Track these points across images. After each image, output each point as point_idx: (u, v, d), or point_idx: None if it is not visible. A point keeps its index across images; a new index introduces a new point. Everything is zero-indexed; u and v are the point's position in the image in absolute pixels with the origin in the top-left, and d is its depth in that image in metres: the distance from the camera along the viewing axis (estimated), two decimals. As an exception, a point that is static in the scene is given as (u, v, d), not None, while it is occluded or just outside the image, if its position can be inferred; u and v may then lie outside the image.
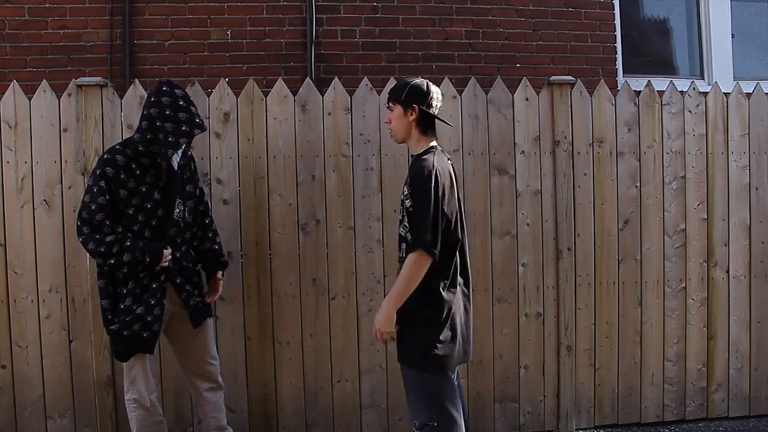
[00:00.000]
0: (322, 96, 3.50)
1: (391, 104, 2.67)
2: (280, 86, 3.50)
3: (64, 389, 3.37)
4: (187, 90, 3.37)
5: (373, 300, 3.49)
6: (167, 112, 2.76)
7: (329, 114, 3.50)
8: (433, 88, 2.66)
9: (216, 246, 3.14)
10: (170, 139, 2.76)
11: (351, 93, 3.53)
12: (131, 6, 4.60)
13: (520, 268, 3.58)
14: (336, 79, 3.56)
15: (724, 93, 3.75)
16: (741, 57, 5.42)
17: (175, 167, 2.92)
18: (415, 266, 2.49)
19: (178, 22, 4.64)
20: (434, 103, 2.64)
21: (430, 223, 2.47)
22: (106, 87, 3.38)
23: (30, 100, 3.35)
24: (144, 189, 2.83)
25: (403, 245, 2.61)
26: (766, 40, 5.58)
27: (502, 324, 3.57)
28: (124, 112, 3.39)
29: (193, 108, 2.84)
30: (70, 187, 3.35)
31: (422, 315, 2.54)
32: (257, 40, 4.69)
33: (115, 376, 3.35)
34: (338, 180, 3.49)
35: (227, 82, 3.50)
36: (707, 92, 3.75)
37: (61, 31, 4.57)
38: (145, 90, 3.43)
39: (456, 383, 2.67)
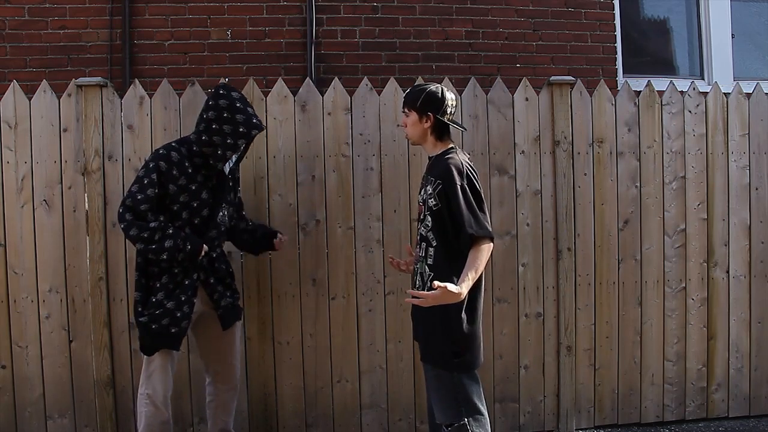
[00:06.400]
0: (322, 96, 3.50)
1: (406, 110, 2.69)
2: (280, 86, 3.50)
3: (64, 389, 3.37)
4: (187, 90, 3.40)
5: (373, 300, 3.49)
6: (225, 115, 2.80)
7: (329, 114, 3.50)
8: (448, 94, 2.67)
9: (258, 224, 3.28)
10: (228, 141, 2.80)
11: (351, 93, 3.53)
12: (131, 6, 4.60)
13: (520, 268, 3.58)
14: (336, 79, 3.57)
15: (724, 93, 3.75)
16: (741, 57, 5.42)
17: (227, 172, 2.96)
18: (485, 255, 2.49)
19: (178, 22, 4.64)
20: (449, 110, 2.66)
21: (477, 212, 2.51)
22: (106, 87, 3.38)
23: (30, 100, 3.35)
24: (194, 188, 2.85)
25: (423, 244, 2.62)
26: (766, 40, 5.58)
27: (502, 324, 3.57)
28: (124, 112, 3.40)
29: (250, 109, 2.88)
30: (70, 187, 3.35)
31: (453, 314, 2.49)
32: (257, 40, 4.68)
33: (115, 376, 3.35)
34: (338, 180, 3.49)
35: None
36: (707, 92, 3.75)
37: (61, 31, 4.57)
38: (145, 90, 3.44)
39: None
